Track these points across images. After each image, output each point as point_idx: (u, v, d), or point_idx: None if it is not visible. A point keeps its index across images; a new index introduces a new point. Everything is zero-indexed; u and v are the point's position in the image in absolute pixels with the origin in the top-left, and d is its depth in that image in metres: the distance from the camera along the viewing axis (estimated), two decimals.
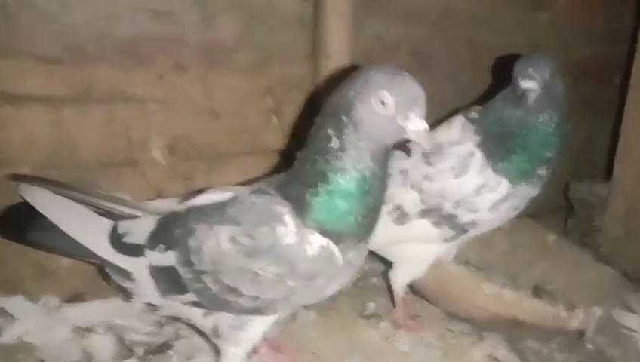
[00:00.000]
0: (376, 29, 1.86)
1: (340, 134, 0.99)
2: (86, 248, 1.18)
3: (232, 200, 1.10)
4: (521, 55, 1.37)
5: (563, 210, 2.49)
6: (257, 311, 1.10)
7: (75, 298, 1.53)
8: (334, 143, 0.99)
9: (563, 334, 1.58)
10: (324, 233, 1.02)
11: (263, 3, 1.60)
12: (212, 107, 1.60)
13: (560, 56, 2.31)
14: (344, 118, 0.98)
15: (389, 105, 0.95)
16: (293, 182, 1.06)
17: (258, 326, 1.16)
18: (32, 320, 1.40)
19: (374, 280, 1.76)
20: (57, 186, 1.28)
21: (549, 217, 2.50)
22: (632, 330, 1.69)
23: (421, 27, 1.95)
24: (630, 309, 1.77)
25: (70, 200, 1.24)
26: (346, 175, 0.99)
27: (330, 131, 1.00)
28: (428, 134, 0.97)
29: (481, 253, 1.99)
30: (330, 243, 1.02)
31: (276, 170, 1.70)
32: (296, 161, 1.09)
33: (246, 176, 1.67)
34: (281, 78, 1.68)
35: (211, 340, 1.22)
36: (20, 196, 1.27)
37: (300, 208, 1.03)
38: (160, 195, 1.57)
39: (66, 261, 1.50)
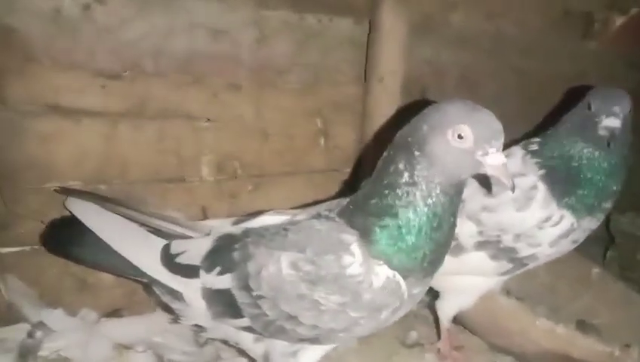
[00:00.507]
0: (428, 53, 1.84)
1: (412, 169, 0.97)
2: (135, 267, 1.16)
3: (294, 224, 1.08)
4: (591, 87, 1.33)
5: (602, 242, 2.45)
6: (315, 340, 1.08)
7: (114, 313, 1.52)
8: (405, 178, 0.97)
9: None
10: (391, 266, 1.00)
11: (316, 25, 1.60)
12: (262, 127, 1.59)
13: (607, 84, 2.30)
14: (417, 152, 0.96)
15: (468, 139, 0.93)
16: (360, 212, 1.03)
17: (312, 355, 1.13)
18: (71, 334, 1.39)
19: (416, 307, 1.72)
20: (105, 201, 1.27)
21: (589, 248, 2.46)
22: None
23: (471, 53, 1.93)
24: None
25: (119, 217, 1.22)
26: (417, 210, 0.97)
27: (401, 166, 0.98)
28: (507, 169, 0.94)
29: (522, 284, 1.95)
30: (397, 275, 1.00)
31: (323, 193, 1.68)
32: (360, 190, 1.06)
33: (290, 195, 1.66)
34: (331, 99, 1.67)
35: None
36: (67, 210, 1.26)
37: (367, 239, 1.00)
38: (205, 212, 1.56)
39: (106, 275, 1.49)
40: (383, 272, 0.99)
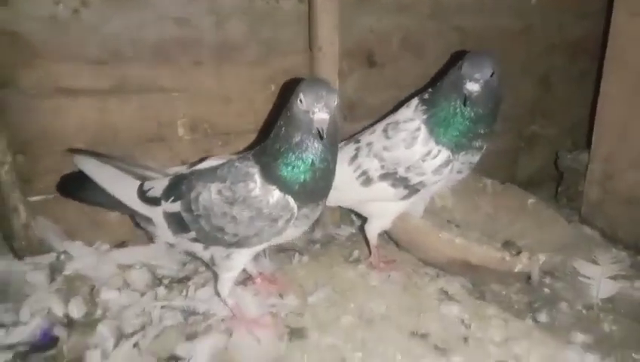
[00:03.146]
0: (369, 21, 2.15)
1: (286, 124, 1.37)
2: (121, 201, 1.60)
3: (223, 164, 1.49)
4: (467, 52, 1.63)
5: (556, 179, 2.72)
6: (238, 244, 1.49)
7: (121, 244, 1.96)
8: (283, 130, 1.38)
9: (512, 276, 1.85)
10: (281, 190, 1.39)
11: (265, 6, 1.94)
12: (225, 94, 1.97)
13: (555, 36, 2.54)
14: (288, 113, 1.37)
15: (304, 103, 1.31)
16: (263, 153, 1.44)
17: (240, 258, 1.54)
18: (87, 258, 1.84)
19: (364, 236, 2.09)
20: (103, 156, 1.70)
21: (545, 185, 2.75)
22: (590, 278, 1.95)
23: (411, 17, 2.22)
24: (595, 262, 2.03)
25: (111, 167, 1.65)
26: (293, 153, 1.37)
27: (281, 122, 1.39)
28: (325, 123, 1.29)
29: (467, 215, 2.29)
30: (287, 196, 1.40)
31: None
32: (269, 138, 1.45)
33: None
34: (282, 67, 2.02)
35: (212, 269, 1.62)
36: (75, 165, 1.69)
37: (265, 171, 1.41)
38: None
39: (113, 216, 1.93)
40: (276, 194, 1.40)
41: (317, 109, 1.29)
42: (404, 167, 1.68)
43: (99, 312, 1.69)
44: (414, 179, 1.69)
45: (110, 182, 1.62)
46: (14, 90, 1.68)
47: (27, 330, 1.59)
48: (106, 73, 1.78)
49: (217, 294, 1.64)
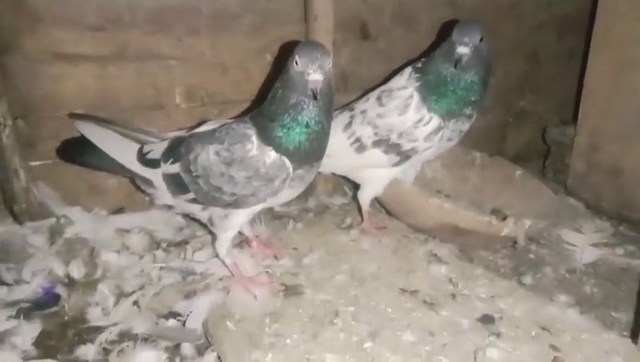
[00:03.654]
0: None
1: (282, 86, 1.42)
2: (121, 164, 1.64)
3: (221, 127, 1.54)
4: (457, 22, 1.69)
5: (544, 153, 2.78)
6: (235, 204, 1.54)
7: (119, 211, 2.01)
8: (279, 93, 1.42)
9: (498, 241, 1.93)
10: (277, 151, 1.44)
11: None
12: (221, 63, 2.01)
13: (545, 12, 2.59)
14: (284, 75, 1.41)
15: (299, 65, 1.35)
16: (260, 115, 1.48)
17: (238, 218, 1.59)
18: (86, 223, 1.89)
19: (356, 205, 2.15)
20: (103, 121, 1.74)
21: (533, 160, 2.81)
22: (574, 245, 2.02)
23: None
24: (579, 231, 2.09)
25: (111, 131, 1.70)
26: (289, 114, 1.41)
27: (278, 84, 1.44)
28: (319, 83, 1.33)
29: (456, 186, 2.35)
30: (283, 157, 1.45)
31: None
32: (266, 100, 1.49)
33: None
34: (278, 37, 2.06)
35: (210, 229, 1.67)
36: (76, 129, 1.73)
37: (262, 133, 1.45)
38: None
39: (112, 181, 1.98)
40: (272, 155, 1.45)
41: (311, 70, 1.33)
42: (397, 133, 1.73)
43: (99, 273, 1.75)
44: (406, 146, 1.74)
45: (110, 146, 1.67)
46: (17, 55, 1.73)
47: (29, 288, 1.65)
48: (105, 39, 1.83)
49: (216, 255, 1.69)
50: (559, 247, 2.05)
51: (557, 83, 2.80)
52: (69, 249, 1.81)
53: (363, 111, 1.80)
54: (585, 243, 2.02)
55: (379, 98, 1.78)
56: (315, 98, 1.35)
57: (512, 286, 1.75)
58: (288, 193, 1.56)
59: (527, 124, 2.80)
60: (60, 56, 1.79)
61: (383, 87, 1.83)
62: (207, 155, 1.49)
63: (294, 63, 1.36)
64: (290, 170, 1.46)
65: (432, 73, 1.70)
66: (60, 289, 1.66)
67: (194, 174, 1.52)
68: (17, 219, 1.86)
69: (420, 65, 1.76)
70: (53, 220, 1.88)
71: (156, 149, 1.61)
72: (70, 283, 1.70)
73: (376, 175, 1.86)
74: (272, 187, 1.49)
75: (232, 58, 2.02)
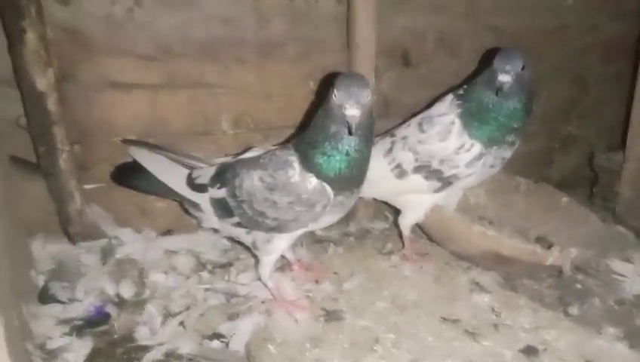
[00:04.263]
0: (404, 21, 2.21)
1: (323, 116, 1.45)
2: (171, 188, 1.71)
3: (265, 153, 1.59)
4: (499, 49, 1.69)
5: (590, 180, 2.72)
6: (278, 228, 1.58)
7: (167, 232, 2.08)
8: (321, 121, 1.46)
9: (543, 270, 1.89)
10: (318, 177, 1.48)
11: (305, 7, 2.03)
12: (266, 90, 2.07)
13: (590, 36, 2.56)
14: (325, 105, 1.45)
15: (338, 98, 1.38)
16: (302, 143, 1.52)
17: (280, 242, 1.64)
18: (136, 244, 1.97)
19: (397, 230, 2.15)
20: (154, 147, 1.82)
21: (579, 187, 2.75)
22: (623, 276, 1.96)
23: (445, 16, 2.27)
24: (629, 260, 2.03)
25: (162, 156, 1.77)
26: (329, 143, 1.44)
27: (320, 113, 1.48)
28: (355, 119, 1.35)
29: (499, 212, 2.32)
30: (324, 183, 1.48)
31: None
32: (308, 128, 1.54)
33: None
34: (321, 65, 2.11)
35: (254, 252, 1.72)
36: (129, 154, 1.81)
37: (305, 159, 1.49)
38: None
39: (160, 204, 2.05)
40: (313, 181, 1.49)
41: (348, 105, 1.35)
42: (438, 159, 1.74)
43: (147, 293, 1.82)
44: (448, 172, 1.75)
45: (161, 171, 1.74)
46: (74, 84, 1.82)
47: (82, 307, 1.73)
48: (157, 69, 1.91)
49: (258, 277, 1.73)
50: (607, 277, 1.98)
51: (604, 108, 2.74)
52: (120, 269, 1.88)
53: (404, 138, 1.82)
54: (634, 274, 1.96)
55: (420, 124, 1.79)
56: (350, 133, 1.38)
57: (558, 316, 1.72)
58: (329, 218, 1.59)
59: (574, 149, 2.75)
60: (114, 85, 1.88)
61: (423, 114, 1.84)
62: (252, 181, 1.55)
63: (333, 96, 1.40)
64: (331, 196, 1.50)
65: (473, 100, 1.71)
66: (110, 308, 1.74)
67: (239, 199, 1.57)
68: (72, 239, 1.95)
69: (461, 92, 1.77)
70: (105, 241, 1.97)
71: (204, 174, 1.67)
72: (120, 302, 1.77)
73: (417, 201, 1.87)
74: (313, 212, 1.52)
75: (277, 85, 2.07)
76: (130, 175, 1.83)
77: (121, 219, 2.03)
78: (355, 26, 2.03)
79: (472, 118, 1.70)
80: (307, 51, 2.08)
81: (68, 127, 1.82)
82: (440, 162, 1.74)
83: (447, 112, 1.75)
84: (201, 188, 1.66)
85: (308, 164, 1.49)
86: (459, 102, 1.74)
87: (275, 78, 2.07)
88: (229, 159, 1.72)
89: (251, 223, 1.60)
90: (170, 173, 1.74)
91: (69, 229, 1.94)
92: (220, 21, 1.94)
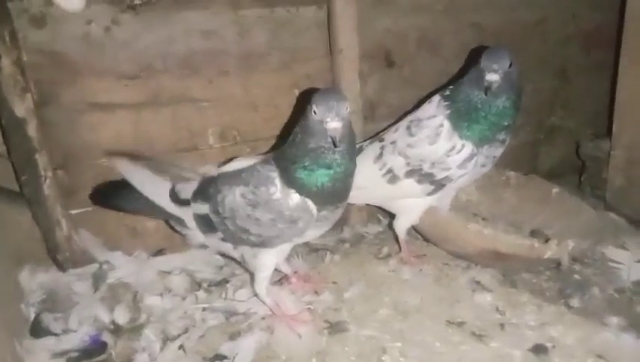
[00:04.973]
0: (386, 23, 2.20)
1: (302, 132, 1.43)
2: (154, 203, 1.66)
3: (247, 168, 1.55)
4: (484, 47, 1.68)
5: (578, 168, 2.74)
6: (262, 244, 1.56)
7: (159, 252, 2.03)
8: (299, 137, 1.44)
9: (542, 264, 1.88)
10: (300, 193, 1.46)
11: (286, 15, 2.01)
12: (251, 101, 2.04)
13: (570, 27, 2.58)
14: (303, 122, 1.43)
15: (317, 114, 1.36)
16: (282, 158, 1.49)
17: (268, 257, 1.60)
18: (128, 267, 1.91)
19: (392, 233, 2.13)
20: (138, 158, 1.75)
21: (567, 176, 2.77)
22: (620, 263, 1.97)
23: (427, 16, 2.27)
24: (623, 247, 2.05)
25: (145, 169, 1.71)
26: (309, 158, 1.42)
27: (297, 129, 1.46)
28: (338, 131, 1.34)
29: (492, 208, 2.32)
30: (307, 199, 1.46)
31: None
32: (287, 144, 1.51)
33: None
34: (305, 73, 2.08)
35: (247, 269, 1.69)
36: (111, 166, 1.76)
37: (285, 175, 1.47)
38: None
39: (150, 224, 2.00)
40: (295, 197, 1.46)
41: (329, 119, 1.34)
42: (429, 163, 1.72)
43: (143, 317, 1.76)
44: (440, 175, 1.73)
45: (144, 184, 1.69)
46: (55, 108, 1.77)
47: (77, 337, 1.66)
48: (139, 87, 1.86)
49: (255, 294, 1.70)
50: (604, 266, 2.00)
51: (587, 97, 2.76)
52: (113, 294, 1.83)
53: (393, 142, 1.80)
54: (631, 261, 1.97)
55: (408, 128, 1.78)
56: (335, 146, 1.36)
57: (561, 311, 1.71)
58: (314, 232, 1.57)
59: (560, 140, 2.77)
60: (97, 106, 1.83)
61: (411, 117, 1.83)
62: (234, 197, 1.52)
63: (312, 112, 1.37)
64: (314, 211, 1.47)
65: (461, 100, 1.69)
66: (107, 337, 1.67)
67: (222, 215, 1.54)
68: (61, 267, 1.89)
69: (448, 92, 1.75)
70: (95, 266, 1.91)
71: (187, 189, 1.63)
72: (116, 329, 1.72)
73: (411, 205, 1.85)
74: (297, 228, 1.50)
75: (262, 96, 2.04)
76: (110, 194, 1.78)
77: (111, 243, 1.97)
78: (337, 31, 2.02)
79: (461, 118, 1.68)
80: (290, 60, 2.06)
81: (50, 152, 1.77)
82: (431, 165, 1.72)
83: (435, 114, 1.73)
84: (184, 203, 1.63)
85: (289, 180, 1.46)
86: (446, 103, 1.72)
87: (259, 89, 2.04)
88: (214, 169, 1.68)
89: (235, 239, 1.58)
90: (153, 187, 1.68)
91: (58, 257, 1.88)
92: (200, 34, 1.91)
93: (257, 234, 1.53)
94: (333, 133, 1.34)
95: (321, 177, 1.43)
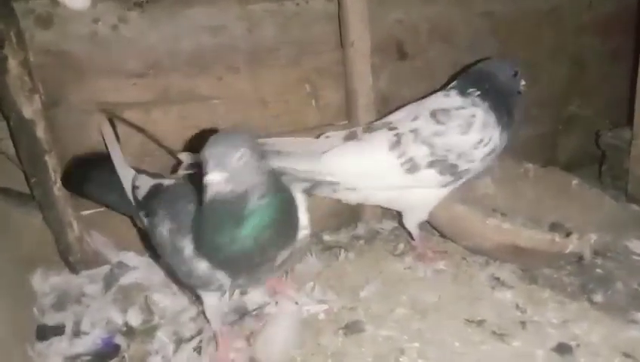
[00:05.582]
0: (397, 14, 2.15)
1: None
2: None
3: (182, 202, 1.38)
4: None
5: (597, 159, 2.67)
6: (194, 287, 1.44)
7: None
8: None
9: (563, 258, 1.83)
10: (211, 262, 1.30)
11: (295, 8, 1.97)
12: (261, 97, 2.00)
13: (585, 14, 2.51)
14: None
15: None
16: (195, 223, 1.31)
17: (207, 299, 1.48)
18: (140, 268, 1.89)
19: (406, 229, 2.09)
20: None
21: (587, 166, 2.70)
22: None
23: (438, 6, 2.21)
24: None
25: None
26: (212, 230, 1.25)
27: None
28: (212, 186, 1.10)
29: (509, 201, 2.26)
30: (217, 269, 1.30)
31: None
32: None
33: None
34: (315, 66, 2.04)
35: None
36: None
37: (197, 243, 1.30)
38: None
39: None
40: (201, 266, 1.30)
41: (208, 169, 1.12)
42: (456, 153, 1.68)
43: (156, 319, 1.73)
44: (463, 166, 1.69)
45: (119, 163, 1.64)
46: (64, 108, 1.75)
47: (89, 340, 1.65)
48: (148, 85, 1.83)
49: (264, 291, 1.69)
50: (628, 259, 1.94)
51: (605, 85, 2.69)
52: (125, 296, 1.81)
53: (414, 130, 1.74)
54: None
55: (434, 115, 1.73)
56: (200, 203, 1.17)
57: (584, 307, 1.66)
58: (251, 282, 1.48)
59: (578, 129, 2.70)
60: (104, 105, 1.80)
61: (432, 106, 1.79)
62: (162, 231, 1.37)
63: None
64: (224, 280, 1.32)
65: (494, 94, 1.73)
66: (119, 339, 1.66)
67: (155, 241, 1.45)
68: (73, 269, 1.87)
69: (475, 83, 1.77)
70: (107, 267, 1.89)
71: (142, 187, 1.53)
72: (128, 331, 1.69)
73: (422, 197, 1.80)
74: (213, 287, 1.36)
75: (272, 91, 2.00)
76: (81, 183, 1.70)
77: (122, 243, 1.94)
78: (348, 23, 1.97)
79: (493, 111, 1.71)
80: (300, 53, 2.01)
81: (60, 153, 1.74)
82: (457, 156, 1.69)
83: (464, 106, 1.72)
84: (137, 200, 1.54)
85: (199, 247, 1.29)
86: (477, 94, 1.74)
87: (269, 84, 2.00)
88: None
89: (169, 269, 1.48)
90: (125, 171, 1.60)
91: (70, 259, 1.86)
92: (207, 30, 1.87)
93: (184, 275, 1.37)
94: (208, 187, 1.11)
95: (224, 248, 1.23)
